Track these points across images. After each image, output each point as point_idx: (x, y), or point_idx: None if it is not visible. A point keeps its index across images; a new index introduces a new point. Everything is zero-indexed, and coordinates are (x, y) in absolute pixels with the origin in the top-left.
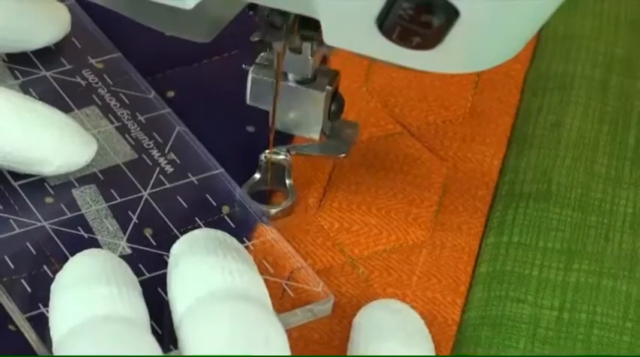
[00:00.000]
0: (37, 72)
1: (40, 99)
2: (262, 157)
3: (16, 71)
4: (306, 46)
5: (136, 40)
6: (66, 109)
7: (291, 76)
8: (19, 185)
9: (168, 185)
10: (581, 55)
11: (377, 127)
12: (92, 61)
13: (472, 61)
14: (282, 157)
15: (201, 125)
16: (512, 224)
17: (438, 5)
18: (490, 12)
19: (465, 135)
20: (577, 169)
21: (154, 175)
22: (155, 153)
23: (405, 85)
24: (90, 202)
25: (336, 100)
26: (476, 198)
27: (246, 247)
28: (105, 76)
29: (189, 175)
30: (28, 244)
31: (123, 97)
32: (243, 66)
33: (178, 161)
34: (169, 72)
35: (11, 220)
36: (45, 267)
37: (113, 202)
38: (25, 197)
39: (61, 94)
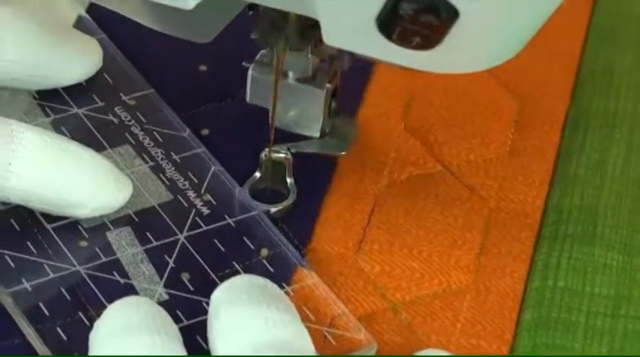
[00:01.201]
0: (69, 109)
1: (72, 137)
2: (262, 155)
3: (47, 108)
4: (306, 44)
5: (168, 75)
6: (99, 148)
7: (291, 74)
8: (53, 228)
9: (204, 228)
10: (622, 91)
11: (416, 166)
12: (124, 97)
13: (472, 61)
14: (282, 155)
15: (237, 164)
16: (556, 268)
17: (438, 5)
18: (490, 12)
19: (506, 174)
20: (622, 209)
21: (190, 217)
22: (191, 194)
23: (445, 122)
24: (125, 246)
25: (335, 97)
26: (519, 240)
27: (286, 293)
28: (138, 113)
29: (226, 216)
30: (62, 289)
31: (157, 135)
32: (244, 63)
33: (214, 202)
34: (203, 108)
35: (45, 265)
36: (80, 314)
37: (149, 246)
38: (58, 241)
39: (94, 132)
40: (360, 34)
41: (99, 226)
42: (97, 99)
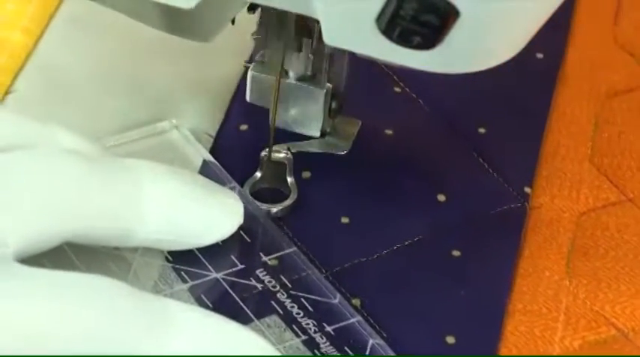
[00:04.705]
0: (207, 274)
1: (214, 307)
2: (262, 154)
3: (182, 272)
4: (306, 43)
5: (309, 230)
6: (244, 319)
7: (291, 74)
8: None
9: None
10: None
11: (588, 330)
12: (265, 258)
13: (472, 61)
14: (282, 154)
15: (397, 335)
16: None
17: (438, 5)
18: (490, 12)
19: None
20: None
21: None
22: None
23: (614, 276)
24: None
25: (336, 97)
26: None
27: None
28: (282, 276)
29: None
30: None
31: (305, 302)
32: (244, 63)
33: None
34: (349, 265)
35: None
36: None
37: None
38: None
39: (237, 300)
40: (360, 34)
41: None
42: (235, 261)
